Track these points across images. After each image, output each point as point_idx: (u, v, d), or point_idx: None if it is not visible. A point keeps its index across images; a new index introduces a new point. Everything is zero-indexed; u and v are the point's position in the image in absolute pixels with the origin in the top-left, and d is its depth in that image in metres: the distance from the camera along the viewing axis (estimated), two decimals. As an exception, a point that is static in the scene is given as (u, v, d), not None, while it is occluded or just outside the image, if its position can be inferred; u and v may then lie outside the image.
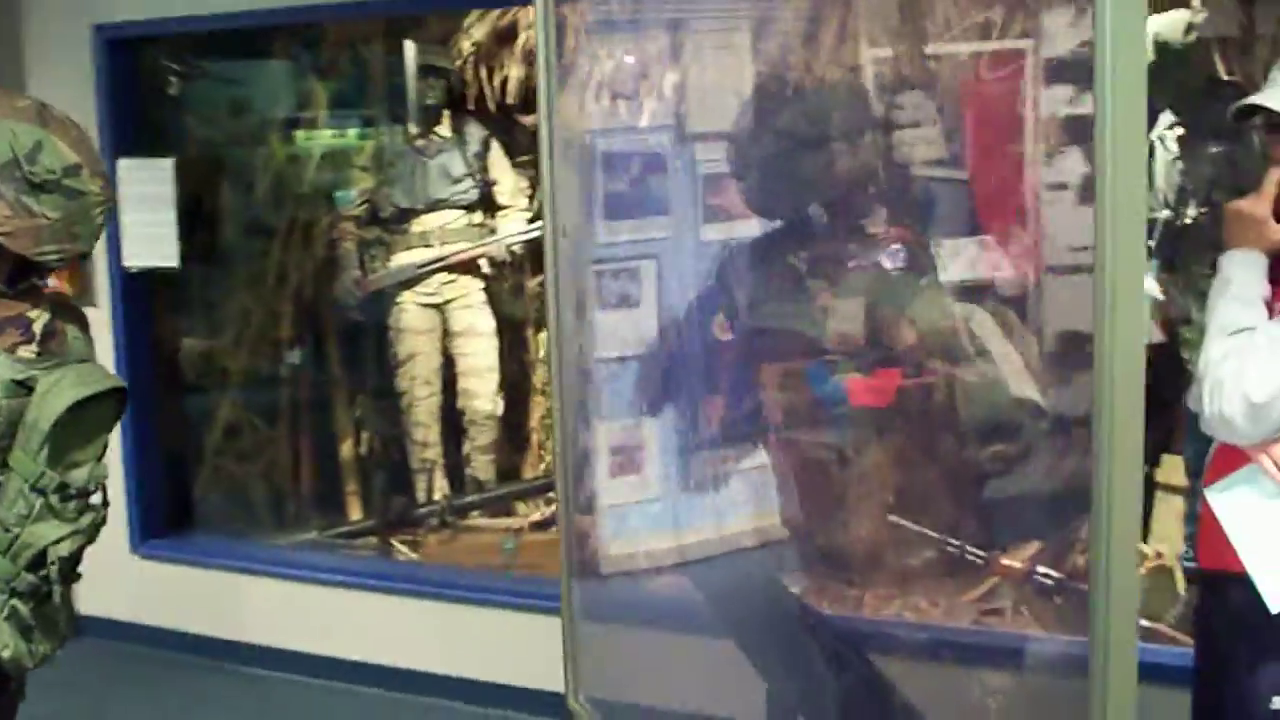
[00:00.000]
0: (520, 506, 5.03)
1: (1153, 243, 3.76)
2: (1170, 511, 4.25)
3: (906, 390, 2.76)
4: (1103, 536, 1.33)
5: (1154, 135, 3.77)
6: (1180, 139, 3.65)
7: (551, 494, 4.68)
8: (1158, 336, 3.96)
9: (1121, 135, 1.30)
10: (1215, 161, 3.52)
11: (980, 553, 2.83)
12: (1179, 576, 4.02)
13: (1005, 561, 2.81)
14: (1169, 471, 4.23)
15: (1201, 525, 2.19)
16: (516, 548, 4.62)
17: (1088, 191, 1.33)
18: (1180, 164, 3.64)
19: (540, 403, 5.11)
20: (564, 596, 2.74)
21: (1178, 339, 3.78)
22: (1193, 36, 3.54)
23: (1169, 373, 4.18)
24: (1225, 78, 3.55)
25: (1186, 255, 3.65)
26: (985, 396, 2.83)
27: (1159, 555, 4.07)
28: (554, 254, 2.56)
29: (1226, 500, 2.04)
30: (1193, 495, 3.91)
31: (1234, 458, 2.06)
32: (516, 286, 5.07)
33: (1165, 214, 3.67)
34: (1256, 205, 2.07)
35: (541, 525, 4.82)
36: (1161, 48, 3.54)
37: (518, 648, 4.08)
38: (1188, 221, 3.61)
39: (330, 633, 4.44)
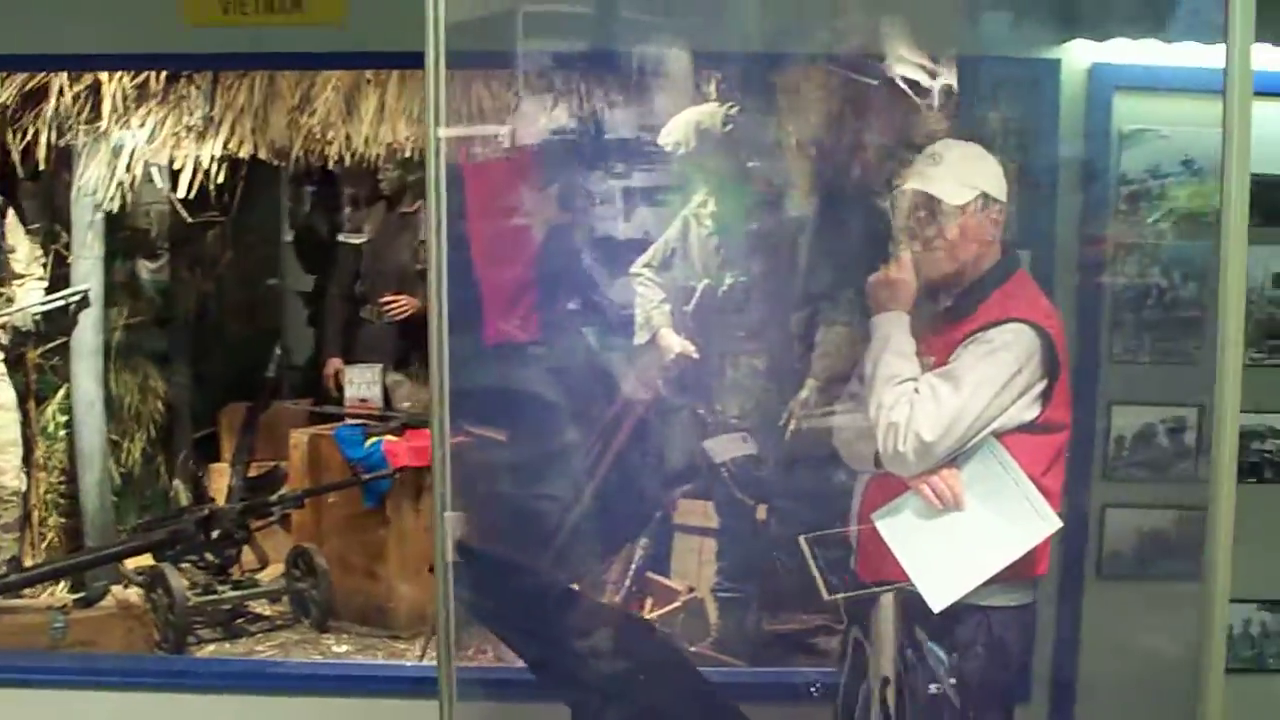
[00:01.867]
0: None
1: (689, 308, 4.21)
2: (689, 549, 4.72)
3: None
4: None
5: (688, 212, 4.24)
6: (713, 215, 4.12)
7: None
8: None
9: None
10: (748, 235, 4.01)
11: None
12: (711, 607, 4.46)
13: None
14: (688, 515, 4.69)
15: (859, 546, 2.59)
16: (66, 625, 4.26)
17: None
18: (715, 239, 4.11)
19: (41, 478, 4.81)
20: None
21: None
22: (729, 127, 4.04)
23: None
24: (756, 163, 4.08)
25: (723, 318, 4.10)
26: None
27: (691, 590, 4.49)
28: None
29: (890, 523, 2.45)
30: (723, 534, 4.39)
31: (889, 488, 2.47)
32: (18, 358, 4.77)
33: (706, 282, 4.11)
34: (900, 271, 2.47)
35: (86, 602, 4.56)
36: (704, 135, 4.00)
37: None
38: (724, 289, 4.07)
39: None
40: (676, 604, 4.43)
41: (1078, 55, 3.37)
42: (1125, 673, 3.31)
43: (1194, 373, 3.39)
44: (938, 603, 2.37)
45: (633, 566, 4.50)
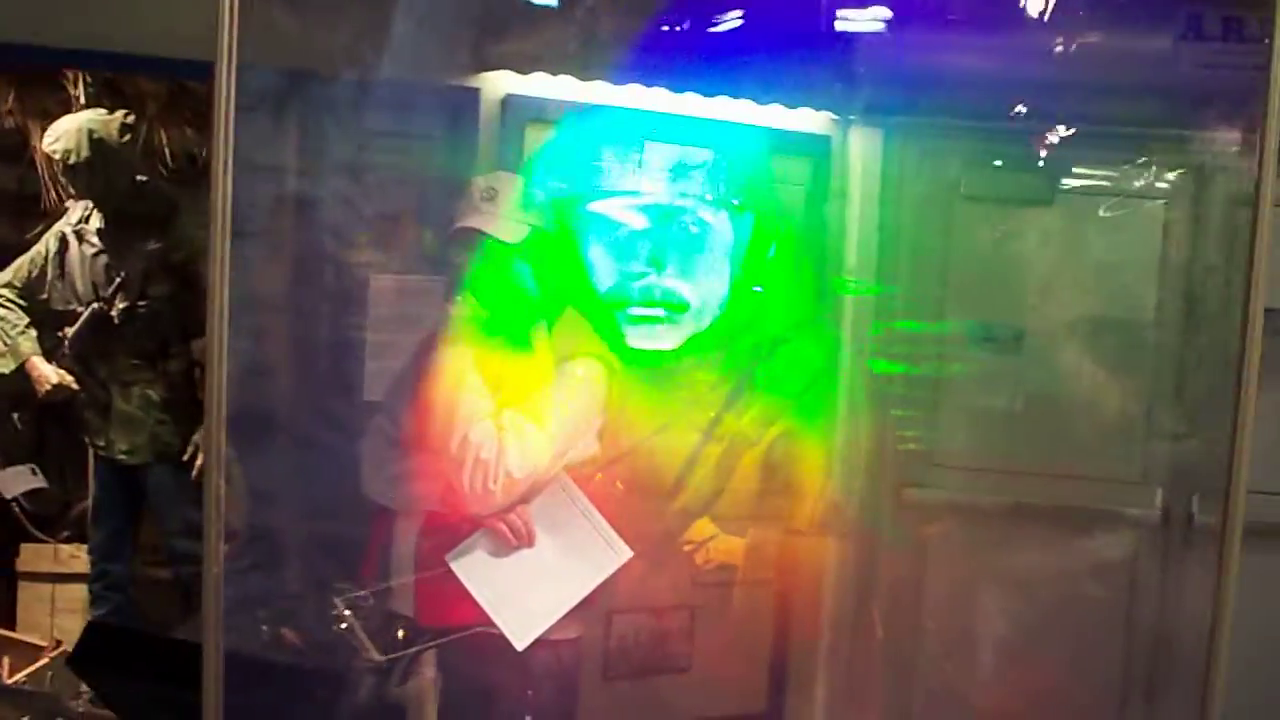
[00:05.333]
0: None
1: (69, 333, 3.73)
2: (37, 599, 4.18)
3: None
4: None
5: (68, 229, 3.74)
6: (102, 233, 3.70)
7: None
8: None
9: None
10: (148, 257, 3.65)
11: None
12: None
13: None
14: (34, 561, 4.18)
15: (419, 592, 2.45)
16: None
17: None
18: (105, 258, 3.68)
19: None
20: None
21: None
22: (128, 137, 3.63)
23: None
24: (148, 179, 3.73)
25: (113, 344, 3.72)
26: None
27: (59, 644, 3.95)
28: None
29: (464, 563, 2.39)
30: (99, 579, 3.97)
31: (450, 531, 2.41)
32: None
33: (96, 306, 3.67)
34: (464, 308, 2.42)
35: None
36: (97, 144, 3.55)
37: None
38: (116, 313, 3.68)
39: None
40: (43, 661, 3.88)
41: (494, 86, 3.34)
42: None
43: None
44: (520, 640, 2.37)
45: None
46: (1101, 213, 3.19)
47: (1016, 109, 2.97)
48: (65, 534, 4.25)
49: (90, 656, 2.70)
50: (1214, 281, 3.26)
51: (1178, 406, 3.33)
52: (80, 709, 3.79)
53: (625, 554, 2.46)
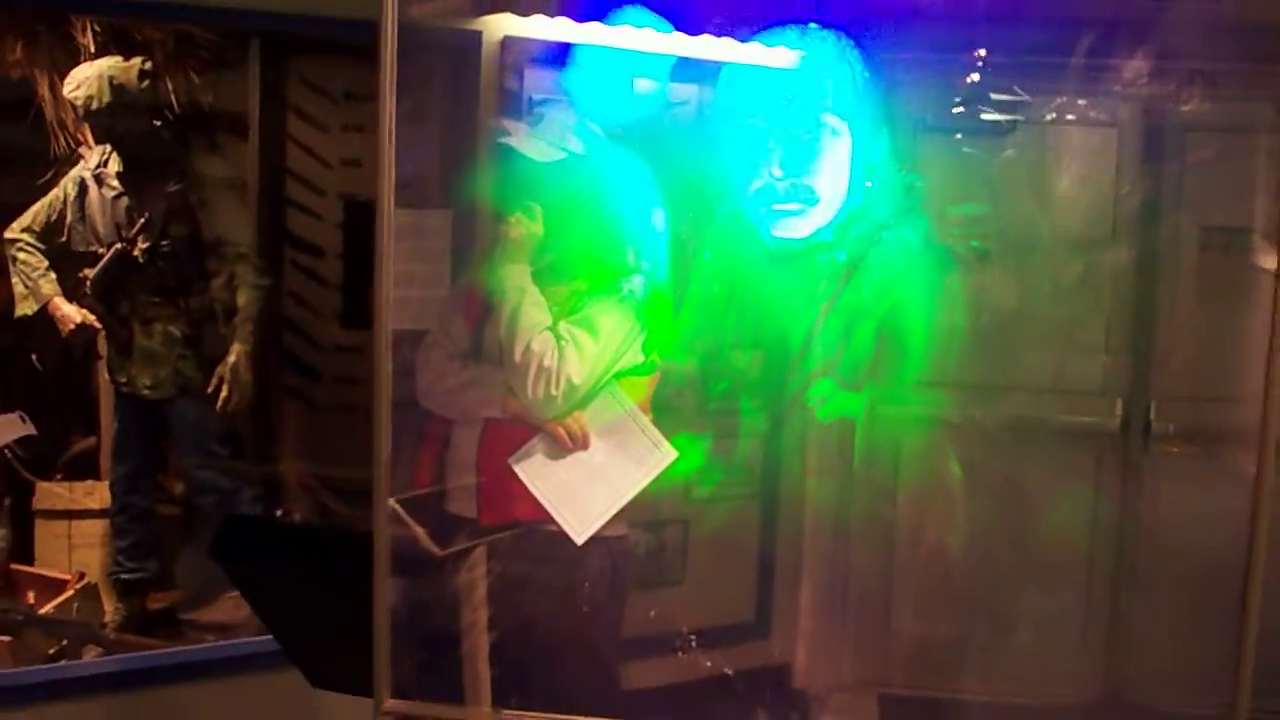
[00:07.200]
0: None
1: (90, 274, 3.94)
2: (54, 535, 4.38)
3: None
4: None
5: (87, 174, 3.94)
6: (122, 176, 3.91)
7: None
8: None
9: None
10: (168, 197, 3.87)
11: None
12: (105, 593, 4.21)
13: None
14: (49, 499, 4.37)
15: (481, 493, 2.64)
16: None
17: None
18: (126, 200, 3.90)
19: None
20: None
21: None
22: (146, 83, 3.84)
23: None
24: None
25: (136, 283, 3.94)
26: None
27: (82, 576, 4.19)
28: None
29: (525, 466, 2.58)
30: (123, 513, 4.18)
31: (507, 435, 2.60)
32: None
33: (120, 246, 3.89)
34: (522, 226, 2.59)
35: None
36: (118, 91, 3.76)
37: None
38: (139, 252, 3.90)
39: None
40: (69, 593, 4.12)
41: (495, 28, 3.44)
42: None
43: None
44: (580, 535, 2.56)
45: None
46: (1060, 140, 3.45)
47: (975, 45, 3.19)
48: (59, 476, 4.45)
49: (229, 547, 2.91)
50: (1165, 203, 3.51)
51: (1133, 320, 3.58)
52: (110, 636, 4.07)
53: (671, 455, 2.64)
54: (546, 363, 2.53)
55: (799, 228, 2.89)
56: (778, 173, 2.85)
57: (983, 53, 3.22)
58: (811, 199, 2.86)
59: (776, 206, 2.87)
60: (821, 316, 3.02)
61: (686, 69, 3.46)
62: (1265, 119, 3.46)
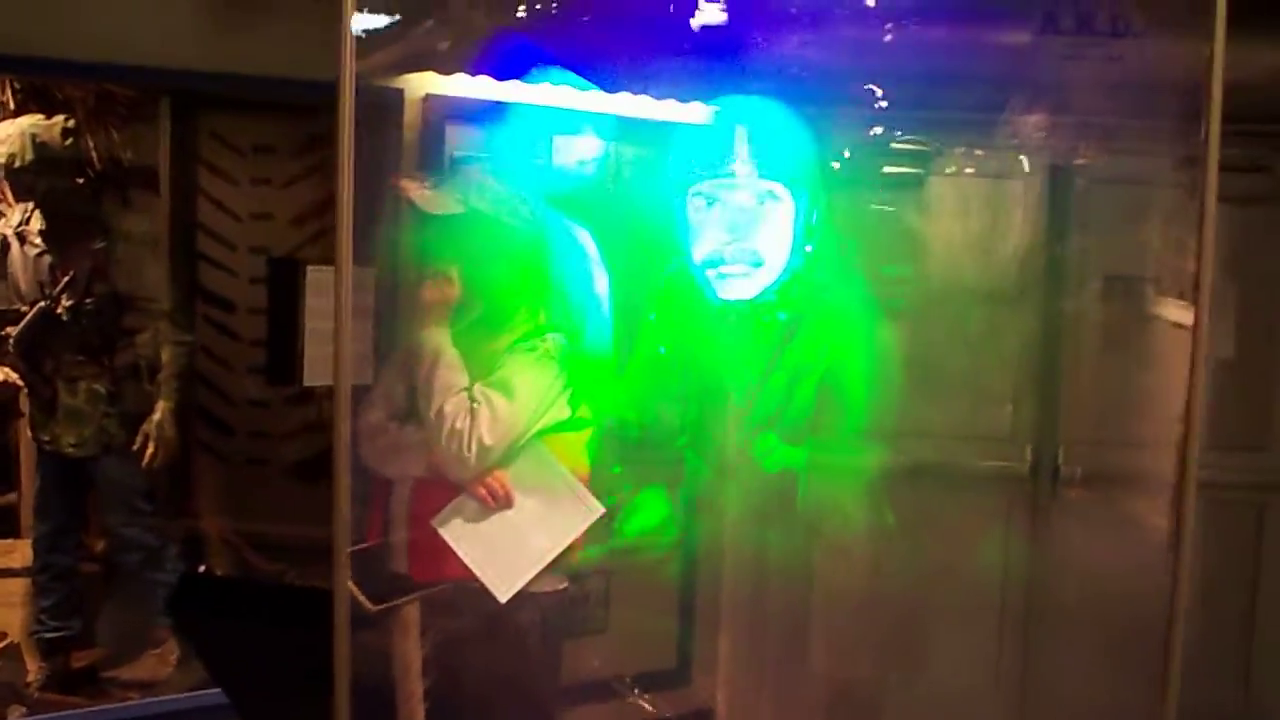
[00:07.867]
0: None
1: (12, 332, 3.91)
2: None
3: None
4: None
5: (9, 232, 3.93)
6: (44, 234, 3.89)
7: None
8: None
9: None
10: (92, 255, 3.87)
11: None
12: (28, 652, 4.16)
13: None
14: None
15: (412, 549, 2.67)
16: None
17: None
18: (49, 258, 3.88)
19: None
20: None
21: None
22: (69, 140, 3.85)
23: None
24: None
25: (60, 341, 3.91)
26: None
27: (4, 635, 4.14)
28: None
29: (449, 526, 2.62)
30: (45, 571, 4.14)
31: (434, 493, 2.64)
32: None
33: (43, 304, 3.87)
34: (443, 287, 2.65)
35: None
36: (40, 148, 3.77)
37: None
38: (63, 310, 3.88)
39: None
40: (-11, 656, 4.07)
41: (417, 86, 3.55)
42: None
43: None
44: (503, 593, 2.60)
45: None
46: (966, 193, 3.57)
47: (885, 98, 3.30)
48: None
49: (185, 606, 2.86)
50: (1069, 253, 3.65)
51: (1041, 367, 3.70)
52: (34, 695, 4.02)
53: (598, 510, 2.70)
54: (459, 425, 2.57)
55: (745, 289, 2.93)
56: (724, 236, 2.89)
57: (884, 104, 3.32)
58: (757, 262, 2.91)
59: (724, 269, 2.92)
60: (765, 374, 3.07)
61: (611, 127, 3.57)
62: (1164, 173, 3.62)
